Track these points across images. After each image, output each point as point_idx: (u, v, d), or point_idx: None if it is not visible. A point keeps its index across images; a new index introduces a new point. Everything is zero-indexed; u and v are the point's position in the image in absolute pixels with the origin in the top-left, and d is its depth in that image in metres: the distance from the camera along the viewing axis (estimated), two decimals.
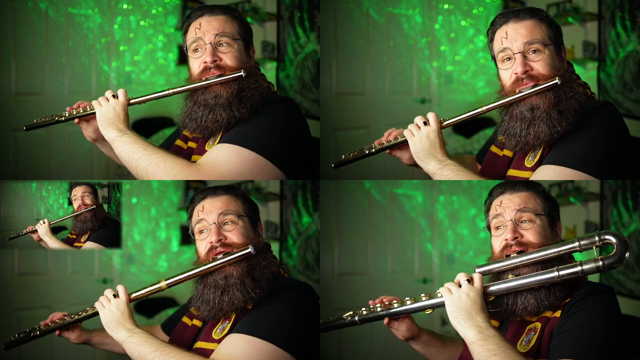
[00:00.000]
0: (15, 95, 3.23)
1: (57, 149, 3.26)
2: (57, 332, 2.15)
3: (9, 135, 3.20)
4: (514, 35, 1.96)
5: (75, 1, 3.32)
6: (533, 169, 1.99)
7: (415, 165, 2.14)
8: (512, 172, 2.08)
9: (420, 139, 2.02)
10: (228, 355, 1.87)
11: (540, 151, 2.00)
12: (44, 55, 3.27)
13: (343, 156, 2.21)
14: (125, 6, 3.37)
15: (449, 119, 2.05)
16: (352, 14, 3.41)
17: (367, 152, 2.15)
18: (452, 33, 3.44)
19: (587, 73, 3.28)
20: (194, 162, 2.09)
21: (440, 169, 1.99)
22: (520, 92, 1.95)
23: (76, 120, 2.19)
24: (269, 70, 3.32)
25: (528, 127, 1.95)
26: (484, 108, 2.02)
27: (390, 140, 2.11)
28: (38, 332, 2.13)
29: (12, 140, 3.21)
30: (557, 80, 1.92)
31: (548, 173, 1.93)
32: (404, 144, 2.10)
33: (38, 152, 3.25)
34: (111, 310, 1.96)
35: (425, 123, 2.03)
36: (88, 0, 3.33)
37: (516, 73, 1.96)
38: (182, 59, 3.40)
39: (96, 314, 2.02)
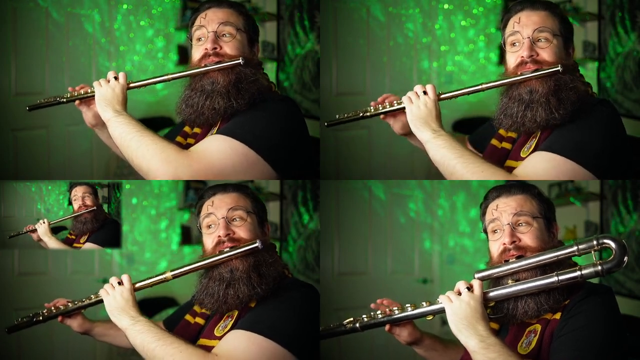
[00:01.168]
0: (15, 95, 3.23)
1: (57, 149, 3.25)
2: (59, 319, 2.14)
3: (9, 135, 3.20)
4: (526, 22, 2.00)
5: (76, 1, 3.32)
6: None
7: (406, 134, 2.18)
8: (509, 163, 2.09)
9: (418, 106, 2.04)
10: (229, 350, 1.88)
11: (535, 141, 2.01)
12: (44, 55, 3.27)
13: (337, 116, 2.25)
14: (125, 6, 3.37)
15: (446, 92, 2.08)
16: (352, 14, 3.41)
17: (361, 114, 2.18)
18: (452, 33, 3.44)
19: (587, 73, 3.28)
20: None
21: (435, 138, 2.00)
22: (521, 74, 1.99)
23: (77, 103, 2.21)
24: (269, 70, 3.32)
25: (525, 109, 1.98)
26: (484, 86, 2.06)
27: (387, 105, 2.14)
28: (41, 318, 2.12)
29: (12, 140, 3.21)
30: (559, 67, 1.95)
31: (540, 159, 1.94)
32: (398, 112, 2.13)
33: (38, 152, 3.25)
34: (115, 297, 1.97)
35: (424, 93, 2.05)
36: (88, 0, 3.33)
37: (522, 56, 1.99)
38: (182, 59, 3.40)
39: (100, 301, 2.03)
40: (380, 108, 2.16)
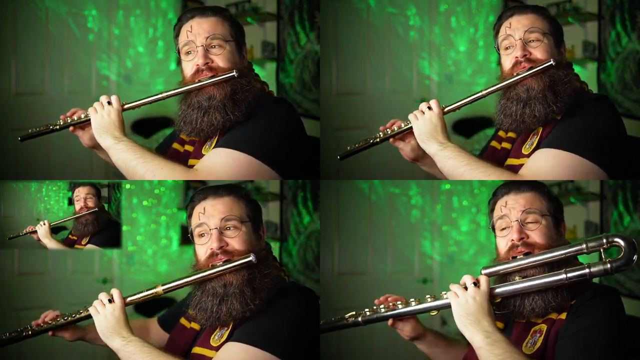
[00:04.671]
0: (15, 95, 3.23)
1: (57, 149, 3.25)
2: (50, 333, 2.11)
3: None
4: (517, 25, 2.07)
5: (76, 1, 3.31)
6: (529, 156, 2.03)
7: (416, 159, 2.21)
8: (510, 161, 2.12)
9: (424, 122, 2.09)
10: None
11: (537, 138, 2.03)
12: (44, 55, 3.27)
13: (348, 147, 2.26)
14: (125, 6, 3.37)
15: (450, 105, 2.12)
16: (352, 14, 3.41)
17: (371, 141, 2.21)
18: (452, 33, 3.44)
19: (587, 73, 3.28)
20: (191, 167, 2.09)
21: (442, 150, 2.04)
22: (517, 74, 2.04)
23: (71, 129, 2.19)
24: (269, 71, 3.32)
25: (524, 107, 2.03)
26: (484, 92, 2.10)
27: (395, 129, 2.17)
28: (30, 332, 2.09)
29: (12, 140, 3.20)
30: (552, 62, 2.01)
31: (543, 156, 1.97)
32: (406, 135, 2.16)
33: (38, 152, 3.24)
34: (106, 317, 1.92)
35: (429, 108, 2.10)
36: (88, 0, 3.33)
37: (516, 57, 2.05)
38: None
39: (89, 316, 1.98)
40: (389, 132, 2.18)
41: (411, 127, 2.12)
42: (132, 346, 1.87)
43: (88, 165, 3.27)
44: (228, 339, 1.92)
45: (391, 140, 2.19)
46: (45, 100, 3.25)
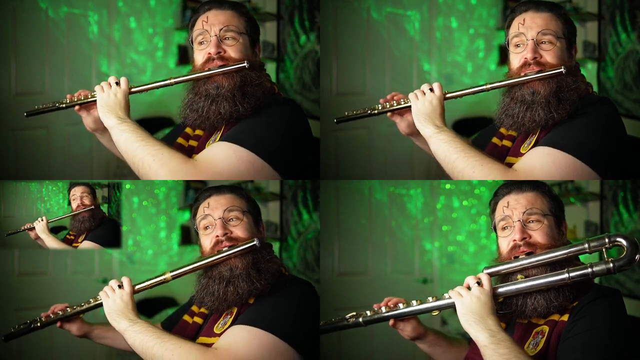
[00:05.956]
0: (15, 95, 3.23)
1: (57, 149, 3.25)
2: (58, 324, 2.13)
3: (9, 135, 3.20)
4: (530, 24, 2.01)
5: (76, 1, 3.32)
6: None
7: (411, 134, 2.20)
8: (509, 160, 2.10)
9: (424, 102, 2.07)
10: (229, 344, 1.89)
11: (535, 137, 2.02)
12: (44, 55, 3.27)
13: (346, 113, 2.27)
14: (124, 6, 3.37)
15: (453, 92, 2.10)
16: (352, 14, 3.41)
17: (369, 112, 2.21)
18: (451, 34, 3.44)
19: (587, 73, 3.28)
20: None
21: (437, 133, 2.02)
22: (525, 75, 2.00)
23: (76, 108, 2.18)
24: (269, 71, 3.31)
25: (526, 110, 2.01)
26: (488, 86, 2.08)
27: (394, 104, 2.15)
28: (39, 324, 2.11)
29: (12, 140, 3.20)
30: (562, 69, 1.97)
31: (538, 153, 1.96)
32: (404, 110, 2.15)
33: (38, 152, 3.25)
34: (115, 301, 1.97)
35: (431, 90, 2.08)
36: (88, 1, 3.33)
37: (525, 58, 2.01)
38: (182, 59, 3.40)
39: (97, 306, 2.03)
40: (388, 106, 2.17)
41: (410, 106, 2.10)
42: (139, 326, 1.92)
43: (88, 166, 3.28)
44: (232, 326, 1.95)
45: (388, 114, 2.18)
46: (45, 100, 3.19)
